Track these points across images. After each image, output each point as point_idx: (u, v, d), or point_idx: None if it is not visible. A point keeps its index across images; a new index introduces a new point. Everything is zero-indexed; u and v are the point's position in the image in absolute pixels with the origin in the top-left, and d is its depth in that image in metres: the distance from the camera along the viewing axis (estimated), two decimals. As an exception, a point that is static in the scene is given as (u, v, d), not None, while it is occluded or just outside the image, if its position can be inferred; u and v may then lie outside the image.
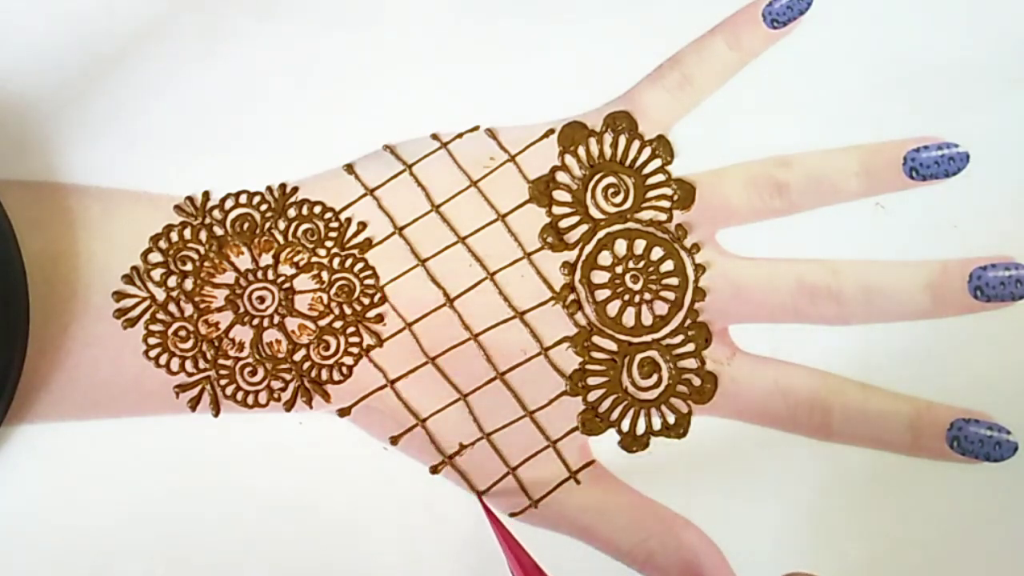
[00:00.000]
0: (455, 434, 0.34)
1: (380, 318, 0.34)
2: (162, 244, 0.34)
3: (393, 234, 0.35)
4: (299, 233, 0.35)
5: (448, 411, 0.34)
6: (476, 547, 0.32)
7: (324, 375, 0.34)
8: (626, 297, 0.35)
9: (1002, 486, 0.33)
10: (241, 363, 0.34)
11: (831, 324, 0.34)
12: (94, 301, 0.34)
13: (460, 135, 0.35)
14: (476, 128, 0.35)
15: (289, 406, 0.33)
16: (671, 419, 0.34)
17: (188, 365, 0.33)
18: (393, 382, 0.34)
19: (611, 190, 0.35)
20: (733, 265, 0.35)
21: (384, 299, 0.34)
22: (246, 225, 0.35)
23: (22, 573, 0.32)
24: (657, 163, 0.35)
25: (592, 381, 0.34)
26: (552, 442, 0.33)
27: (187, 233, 0.34)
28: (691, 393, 0.34)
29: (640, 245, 0.35)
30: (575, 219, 0.35)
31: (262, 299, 0.34)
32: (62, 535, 0.32)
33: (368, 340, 0.34)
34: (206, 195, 0.35)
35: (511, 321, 0.34)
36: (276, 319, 0.34)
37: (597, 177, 0.35)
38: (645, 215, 0.35)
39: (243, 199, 0.35)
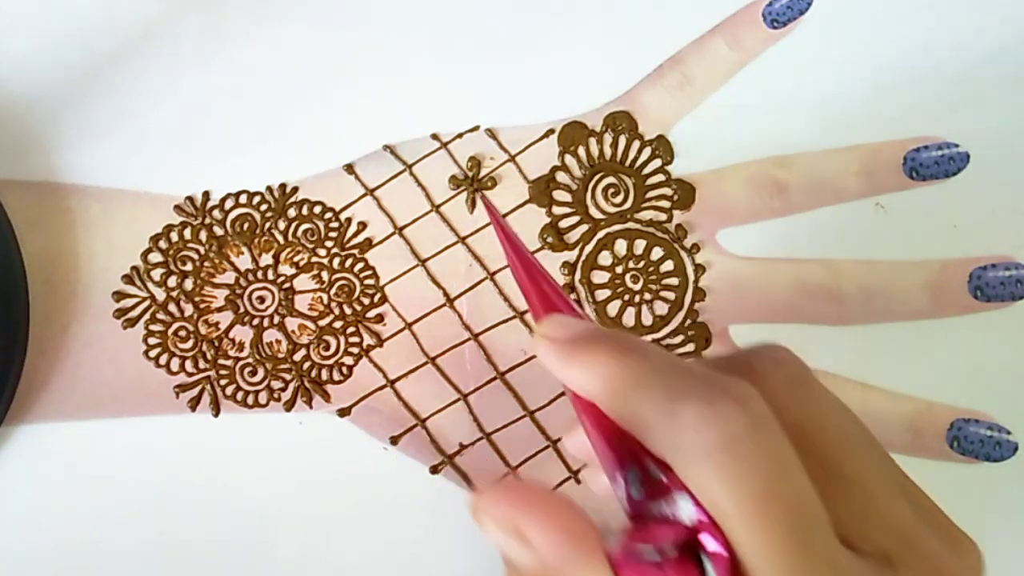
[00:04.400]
0: (455, 434, 0.34)
1: (380, 318, 0.34)
2: (162, 244, 0.34)
3: (393, 234, 0.35)
4: (299, 233, 0.35)
5: (448, 411, 0.34)
6: (476, 547, 0.32)
7: (324, 375, 0.34)
8: (626, 297, 0.35)
9: (1002, 486, 0.33)
10: (241, 363, 0.34)
11: (831, 324, 0.34)
12: (94, 301, 0.34)
13: (460, 135, 0.35)
14: (476, 128, 0.35)
15: (289, 406, 0.33)
16: (671, 419, 0.34)
17: (188, 365, 0.33)
18: (393, 382, 0.34)
19: (611, 190, 0.35)
20: (733, 265, 0.35)
21: (384, 299, 0.34)
22: (246, 225, 0.35)
23: (22, 572, 0.32)
24: (657, 163, 0.35)
25: (592, 381, 0.34)
26: (552, 442, 0.33)
27: (187, 233, 0.34)
28: (691, 393, 0.34)
29: (640, 245, 0.35)
30: (575, 219, 0.35)
31: (262, 299, 0.34)
32: (62, 534, 0.32)
33: (368, 340, 0.34)
34: (206, 195, 0.35)
35: (511, 321, 0.34)
36: (276, 319, 0.34)
37: (597, 177, 0.35)
38: (645, 215, 0.35)
39: (243, 199, 0.35)
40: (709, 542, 0.16)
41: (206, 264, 0.34)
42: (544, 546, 0.18)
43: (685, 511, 0.17)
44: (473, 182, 0.35)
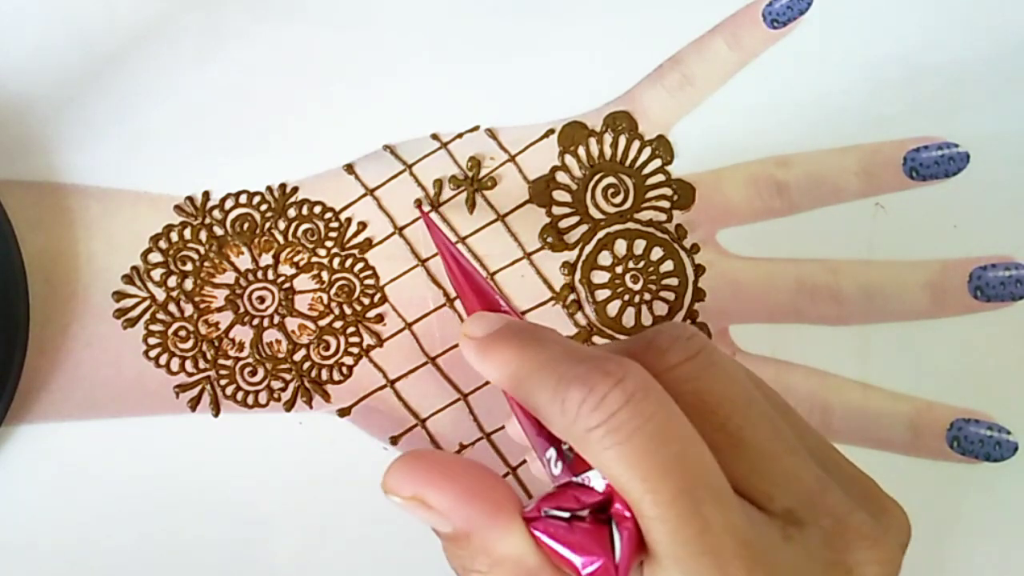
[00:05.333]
0: (455, 434, 0.34)
1: (380, 318, 0.34)
2: (162, 244, 0.34)
3: (393, 234, 0.35)
4: (299, 233, 0.35)
5: (448, 411, 0.34)
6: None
7: (324, 375, 0.34)
8: (626, 297, 0.35)
9: (1002, 486, 0.33)
10: (241, 363, 0.34)
11: (831, 324, 0.34)
12: (94, 301, 0.34)
13: (460, 135, 0.35)
14: (476, 128, 0.35)
15: (289, 406, 0.33)
16: (671, 419, 0.34)
17: (188, 365, 0.33)
18: (393, 382, 0.34)
19: (611, 190, 0.35)
20: (733, 265, 0.35)
21: (384, 299, 0.34)
22: (246, 225, 0.35)
23: (22, 572, 0.32)
24: (657, 163, 0.35)
25: (592, 381, 0.34)
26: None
27: (187, 233, 0.34)
28: (691, 393, 0.34)
29: (640, 245, 0.35)
30: (575, 219, 0.35)
31: (262, 299, 0.34)
32: (62, 534, 0.32)
33: (368, 340, 0.34)
34: (206, 195, 0.35)
35: (511, 321, 0.34)
36: (276, 319, 0.34)
37: (597, 177, 0.35)
38: (645, 215, 0.35)
39: (243, 199, 0.35)
40: (616, 507, 0.17)
41: (206, 264, 0.34)
42: (447, 510, 0.19)
43: (596, 481, 0.18)
44: (473, 182, 0.35)
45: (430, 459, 0.19)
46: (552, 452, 0.19)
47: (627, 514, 0.17)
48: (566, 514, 0.18)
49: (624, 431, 0.17)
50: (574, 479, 0.18)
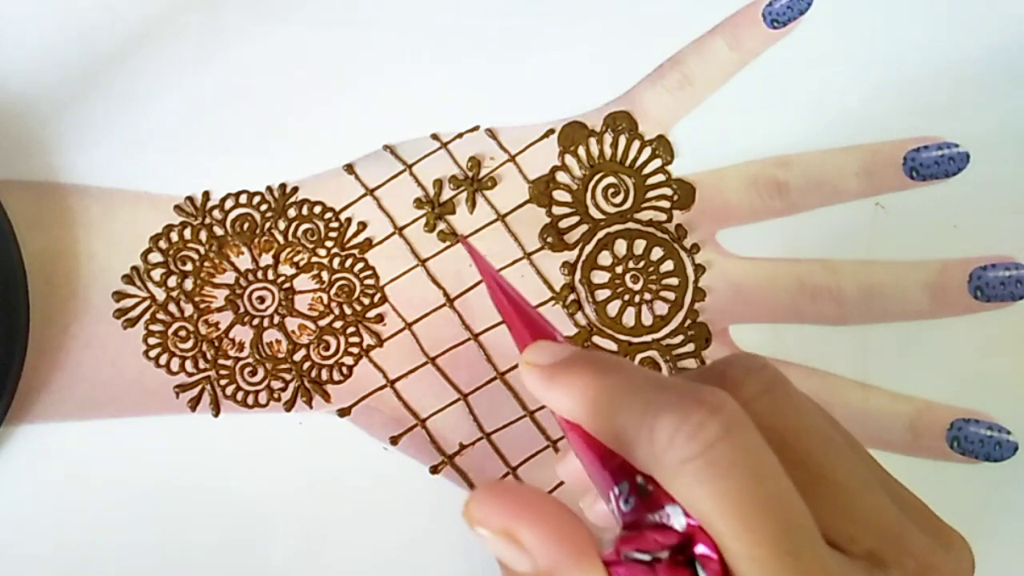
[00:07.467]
0: (455, 434, 0.34)
1: (380, 318, 0.34)
2: (162, 244, 0.34)
3: (393, 234, 0.35)
4: (299, 233, 0.35)
5: (448, 411, 0.34)
6: (476, 547, 0.32)
7: (324, 375, 0.34)
8: (626, 297, 0.35)
9: (1002, 486, 0.33)
10: (241, 363, 0.34)
11: (831, 324, 0.34)
12: (94, 301, 0.34)
13: (460, 135, 0.35)
14: (476, 128, 0.35)
15: (289, 406, 0.33)
16: (671, 419, 0.34)
17: (188, 365, 0.33)
18: (393, 382, 0.34)
19: (611, 190, 0.35)
20: (733, 265, 0.35)
21: (384, 299, 0.34)
22: (246, 225, 0.35)
23: (22, 572, 0.32)
24: (657, 163, 0.35)
25: (592, 381, 0.34)
26: (552, 442, 0.33)
27: (187, 233, 0.34)
28: (691, 393, 0.34)
29: (640, 245, 0.35)
30: (575, 219, 0.35)
31: (262, 299, 0.34)
32: (62, 534, 0.32)
33: (368, 340, 0.34)
34: (206, 195, 0.35)
35: (511, 321, 0.34)
36: (276, 319, 0.34)
37: (597, 177, 0.35)
38: (645, 215, 0.35)
39: (243, 199, 0.35)
40: (699, 546, 0.16)
41: (206, 264, 0.34)
42: (536, 548, 0.17)
43: (676, 519, 0.17)
44: (473, 182, 0.35)
45: (520, 493, 0.18)
46: (625, 485, 0.18)
47: (713, 555, 0.16)
48: (647, 556, 0.17)
49: (723, 465, 0.16)
50: (649, 516, 0.17)
